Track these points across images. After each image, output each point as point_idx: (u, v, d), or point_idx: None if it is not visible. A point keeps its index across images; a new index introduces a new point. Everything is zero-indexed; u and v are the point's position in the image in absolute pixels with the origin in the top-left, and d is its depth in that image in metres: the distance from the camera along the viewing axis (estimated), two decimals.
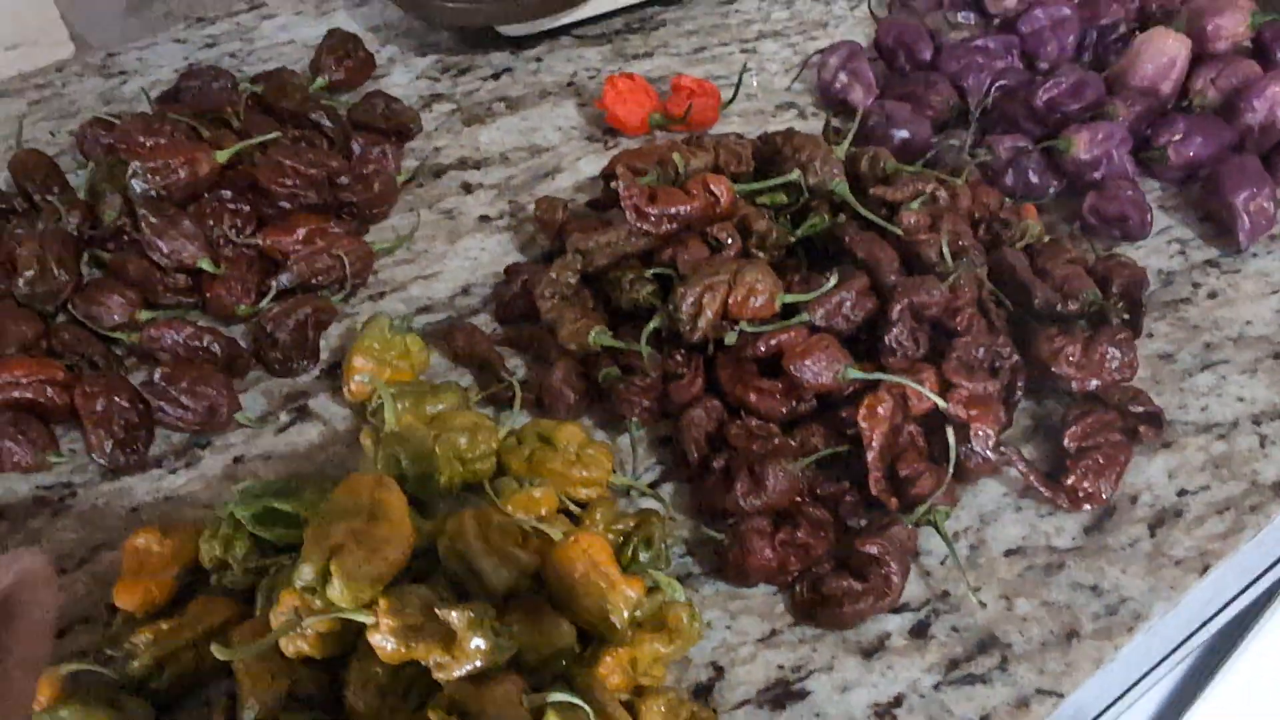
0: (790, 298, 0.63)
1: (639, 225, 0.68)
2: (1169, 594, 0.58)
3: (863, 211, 0.69)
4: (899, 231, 0.67)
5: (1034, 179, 0.79)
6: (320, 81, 0.93)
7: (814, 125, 0.90)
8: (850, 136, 0.75)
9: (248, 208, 0.78)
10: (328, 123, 0.87)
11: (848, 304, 0.63)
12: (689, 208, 0.67)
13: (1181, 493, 0.62)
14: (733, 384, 0.63)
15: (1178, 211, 0.80)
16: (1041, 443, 0.65)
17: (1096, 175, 0.78)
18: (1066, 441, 0.62)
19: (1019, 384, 0.64)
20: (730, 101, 0.91)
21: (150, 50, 1.03)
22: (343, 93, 0.95)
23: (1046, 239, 0.73)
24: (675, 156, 0.69)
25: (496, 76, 0.97)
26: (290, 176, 0.79)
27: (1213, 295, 0.74)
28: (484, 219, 0.83)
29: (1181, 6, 0.85)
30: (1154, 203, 0.80)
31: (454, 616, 0.46)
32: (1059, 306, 0.66)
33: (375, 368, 0.66)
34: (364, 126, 0.89)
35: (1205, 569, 0.59)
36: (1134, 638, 0.56)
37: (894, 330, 0.62)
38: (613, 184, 0.71)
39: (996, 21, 0.90)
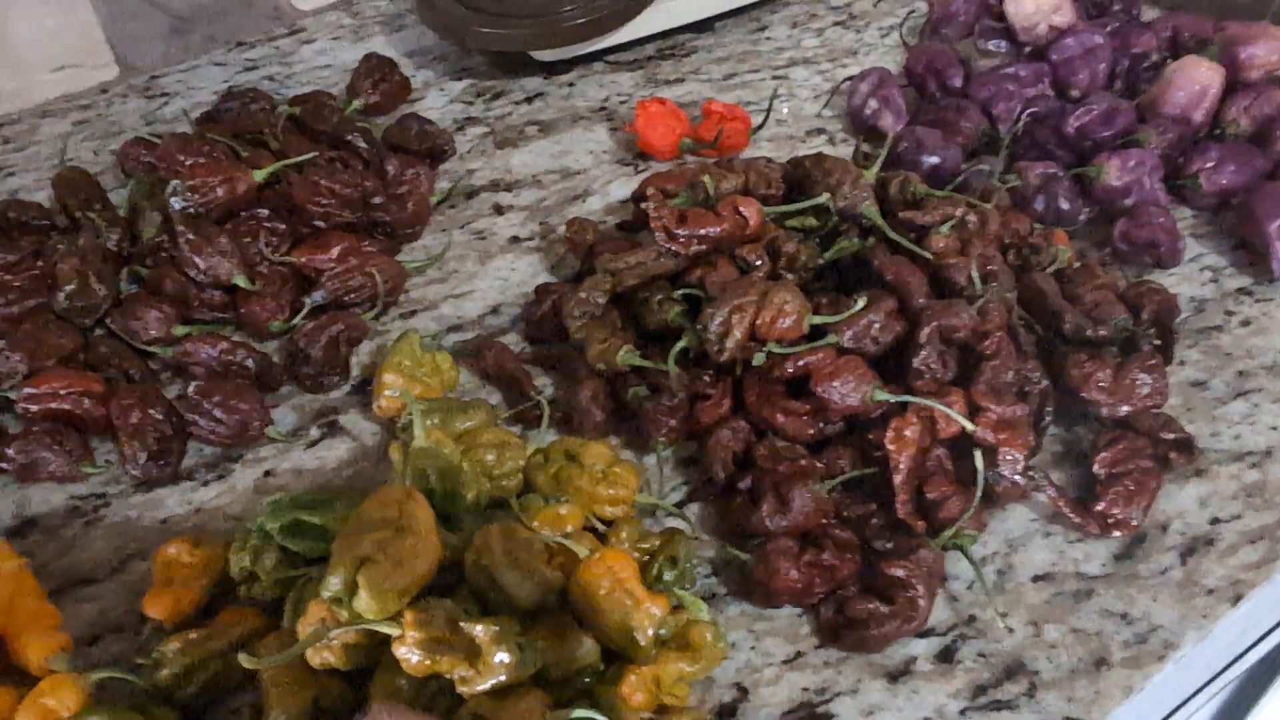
0: (818, 319, 0.63)
1: (668, 246, 0.68)
2: (1201, 623, 0.57)
3: (892, 235, 0.69)
4: (928, 255, 0.67)
5: (1064, 205, 0.78)
6: (356, 104, 0.95)
7: (844, 151, 0.90)
8: (880, 161, 0.75)
9: (284, 226, 0.79)
10: (363, 144, 0.89)
11: (876, 326, 0.63)
12: (718, 229, 0.67)
13: (1214, 521, 0.62)
14: (760, 405, 0.63)
15: (1210, 239, 0.80)
16: (1071, 468, 0.65)
17: (1127, 202, 0.78)
18: (1096, 467, 0.62)
19: (1048, 409, 0.64)
20: (760, 126, 0.91)
21: (192, 73, 1.05)
22: (378, 115, 0.97)
23: (1077, 264, 0.72)
24: (705, 179, 0.70)
25: (529, 101, 0.99)
26: (325, 196, 0.80)
27: (1246, 323, 0.73)
28: (515, 240, 0.84)
29: (1214, 35, 0.85)
30: (1186, 230, 0.80)
31: (479, 631, 0.46)
32: (1089, 332, 0.66)
33: (405, 383, 0.67)
34: (398, 148, 0.90)
35: (1238, 599, 0.58)
36: (1165, 667, 0.55)
37: (922, 353, 0.62)
38: (642, 204, 0.72)
39: (1027, 49, 0.90)
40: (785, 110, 0.95)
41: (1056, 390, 0.65)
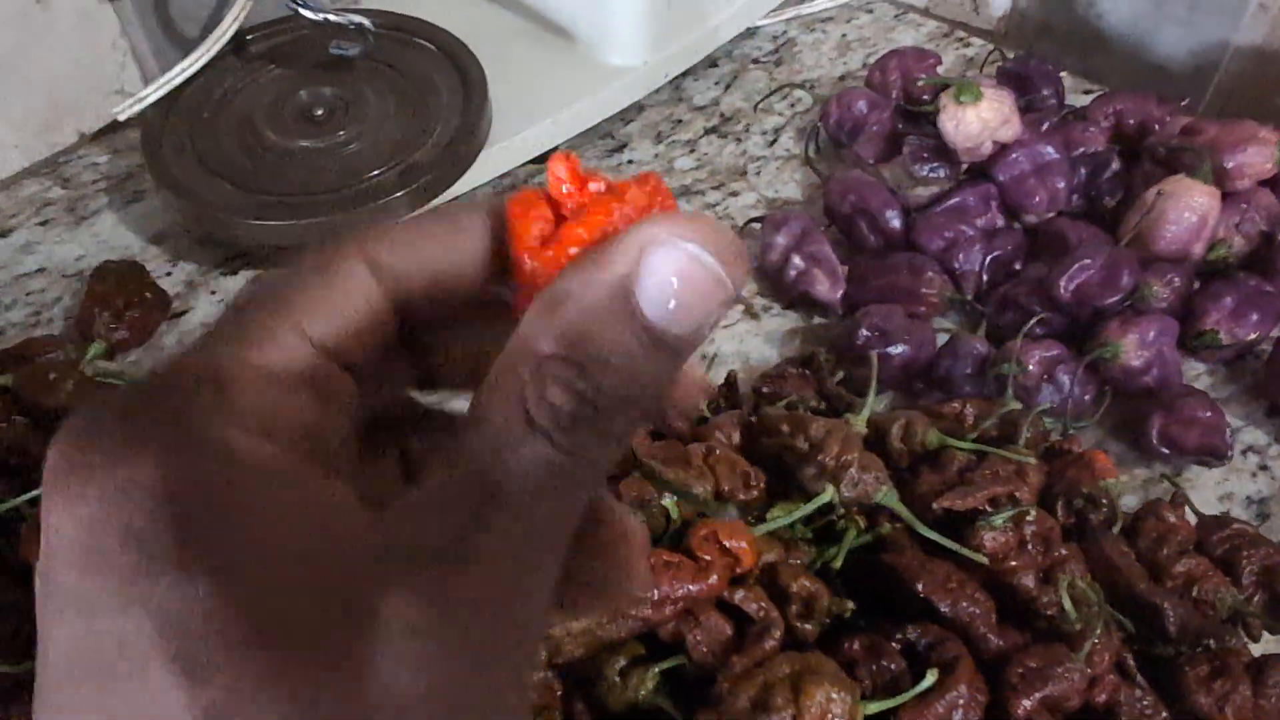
0: (877, 705, 0.44)
1: (629, 612, 0.47)
2: None
3: (928, 534, 0.50)
4: (983, 560, 0.49)
5: (1080, 395, 0.62)
6: (95, 349, 0.66)
7: (769, 326, 0.70)
8: (868, 406, 0.55)
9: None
10: None
11: (959, 715, 0.44)
12: (700, 585, 0.46)
13: None
14: None
15: (1237, 405, 0.65)
16: None
17: (1147, 379, 0.63)
18: None
19: None
20: None
21: None
22: (127, 351, 0.69)
23: (1134, 504, 0.56)
24: (666, 502, 0.48)
25: None
26: None
27: None
28: None
29: (1190, 143, 0.70)
30: (1201, 389, 0.65)
31: None
32: (1205, 637, 0.49)
33: None
34: None
35: None
36: None
37: None
38: None
39: (964, 167, 0.73)
40: None
41: (1170, 707, 0.48)
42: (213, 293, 0.74)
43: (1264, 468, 0.63)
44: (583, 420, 0.19)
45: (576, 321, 0.20)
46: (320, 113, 0.74)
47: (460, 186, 0.74)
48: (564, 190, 0.22)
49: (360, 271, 0.23)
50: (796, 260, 0.70)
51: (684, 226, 0.20)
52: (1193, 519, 0.57)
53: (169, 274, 0.75)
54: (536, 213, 0.22)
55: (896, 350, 0.63)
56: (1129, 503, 0.59)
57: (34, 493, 0.54)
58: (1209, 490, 0.61)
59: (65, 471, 0.19)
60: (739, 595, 0.47)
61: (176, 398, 0.20)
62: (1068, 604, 0.46)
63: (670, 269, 0.20)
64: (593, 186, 0.22)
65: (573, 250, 0.21)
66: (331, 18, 0.73)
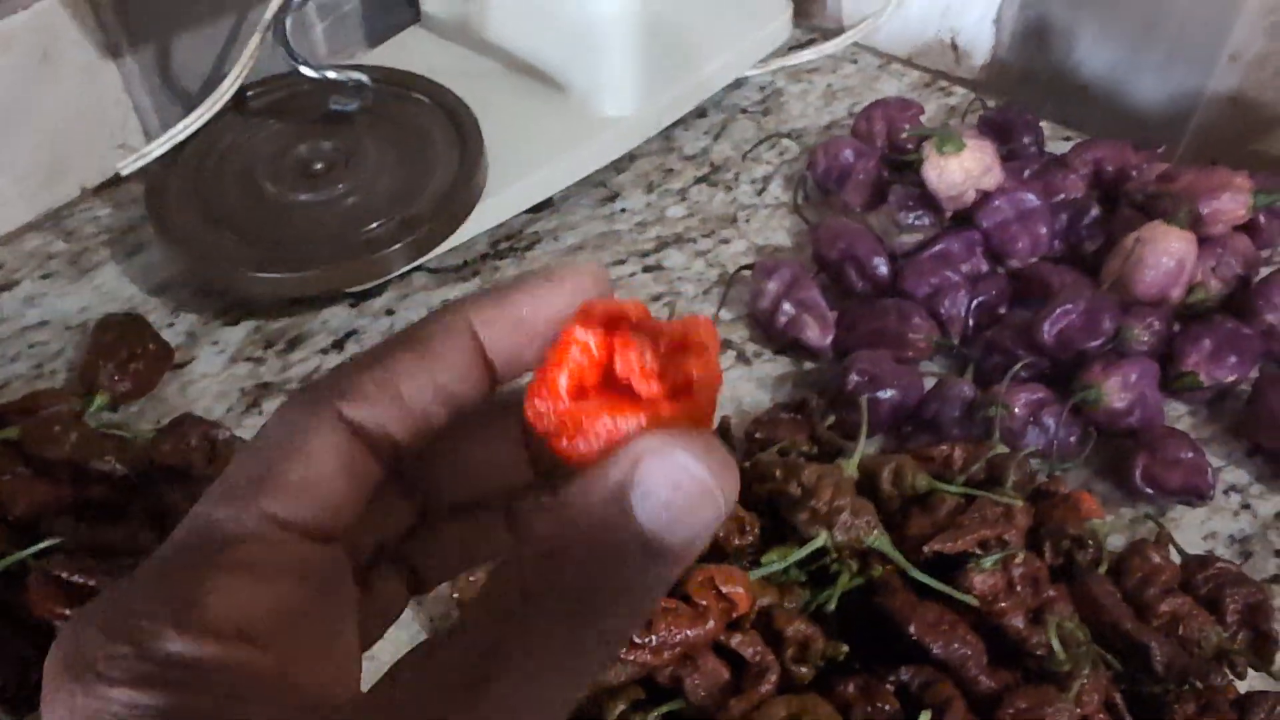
0: None
1: (627, 657, 0.48)
2: None
3: (918, 576, 0.51)
4: (973, 602, 0.50)
5: (1065, 437, 0.64)
6: (99, 401, 0.68)
7: (760, 371, 0.72)
8: (859, 450, 0.57)
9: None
10: (118, 468, 0.63)
11: None
12: (698, 630, 0.47)
13: None
14: None
15: (1220, 444, 0.67)
16: None
17: (1130, 421, 0.64)
18: None
19: None
20: None
21: None
22: (131, 403, 0.70)
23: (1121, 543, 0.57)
24: None
25: (339, 345, 0.75)
26: (74, 598, 0.54)
27: None
28: None
29: (1166, 189, 0.72)
30: (1183, 429, 0.67)
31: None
32: (1193, 677, 0.50)
33: None
34: (172, 472, 0.64)
35: None
36: None
37: None
38: None
39: (949, 215, 0.75)
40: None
41: None
42: (214, 343, 0.75)
43: (1246, 506, 0.64)
44: (577, 618, 0.20)
45: (575, 522, 0.20)
46: (319, 166, 0.76)
47: (458, 237, 0.76)
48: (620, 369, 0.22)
49: (327, 431, 0.22)
50: (787, 306, 0.71)
51: (679, 439, 0.21)
52: (1177, 558, 0.58)
53: (171, 325, 0.76)
54: (571, 358, 0.22)
55: (886, 395, 0.65)
56: (1116, 542, 0.60)
57: (40, 545, 0.55)
58: (1193, 529, 0.63)
59: (51, 691, 0.20)
60: (735, 639, 0.48)
61: (144, 622, 0.20)
62: (1056, 644, 0.48)
63: (664, 478, 0.20)
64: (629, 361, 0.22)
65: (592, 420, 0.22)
66: (330, 75, 0.75)
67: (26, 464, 0.63)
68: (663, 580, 0.21)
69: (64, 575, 0.54)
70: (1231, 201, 0.70)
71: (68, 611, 0.54)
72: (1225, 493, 0.65)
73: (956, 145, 0.71)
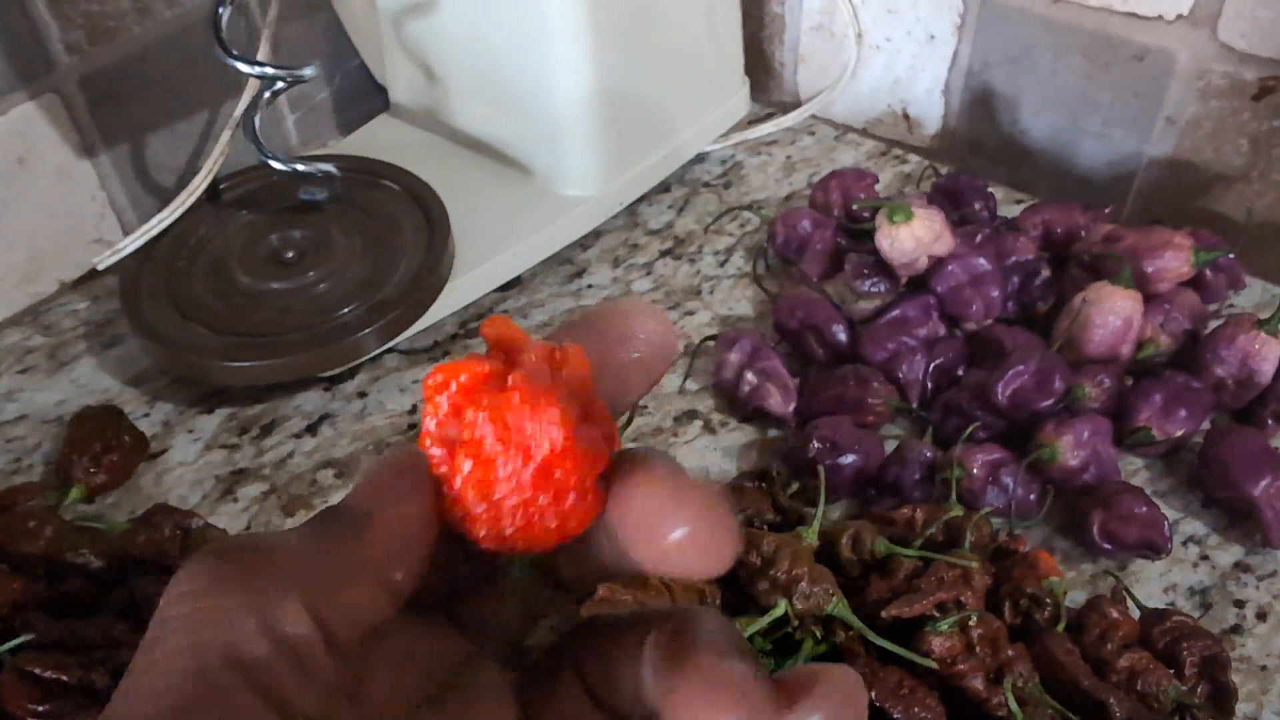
0: None
1: None
2: None
3: (879, 642, 0.52)
4: (932, 665, 0.51)
5: (1024, 496, 0.65)
6: (75, 494, 0.68)
7: (726, 440, 0.73)
8: (818, 518, 0.58)
9: None
10: (94, 562, 0.64)
11: None
12: None
13: None
14: None
15: (1176, 497, 0.68)
16: None
17: (1085, 478, 0.66)
18: None
19: None
20: (626, 425, 0.73)
21: None
22: (106, 494, 0.71)
23: (1082, 598, 0.58)
24: None
25: (312, 430, 0.76)
26: (47, 694, 0.55)
27: (1262, 616, 0.62)
28: None
29: (1111, 249, 0.74)
30: (1140, 483, 0.68)
31: None
32: (1141, 719, 0.51)
33: None
34: (146, 564, 0.65)
35: None
36: None
37: None
38: None
39: (904, 281, 0.77)
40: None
41: None
42: (189, 431, 0.76)
43: (1205, 558, 0.65)
44: None
45: None
46: (290, 255, 0.78)
47: (427, 319, 0.78)
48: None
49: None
50: (749, 376, 0.73)
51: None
52: (1136, 613, 0.59)
53: (147, 415, 0.77)
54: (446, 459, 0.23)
55: (847, 460, 0.66)
56: (1077, 598, 0.62)
57: (16, 641, 0.56)
58: (1153, 583, 0.64)
59: None
60: None
61: None
62: (1013, 704, 0.49)
63: None
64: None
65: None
66: (299, 167, 0.78)
67: (2, 560, 0.64)
68: None
69: (37, 671, 0.55)
70: (1174, 259, 0.73)
71: (40, 708, 0.54)
72: (1184, 544, 0.66)
73: (906, 214, 0.74)
